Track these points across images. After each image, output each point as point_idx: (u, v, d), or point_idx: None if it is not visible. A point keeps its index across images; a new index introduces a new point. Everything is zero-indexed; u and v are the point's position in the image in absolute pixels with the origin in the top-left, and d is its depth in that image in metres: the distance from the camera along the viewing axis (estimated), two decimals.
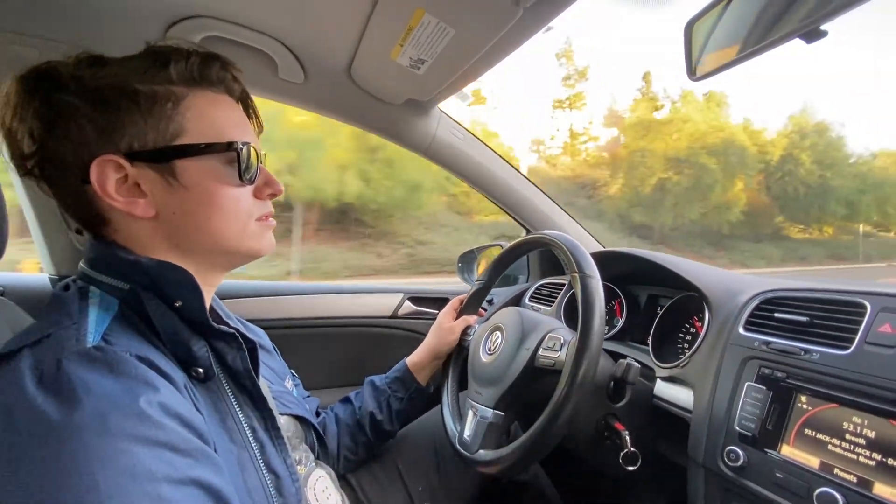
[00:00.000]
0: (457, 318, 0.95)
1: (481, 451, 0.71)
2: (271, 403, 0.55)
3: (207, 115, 0.49)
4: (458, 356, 0.92)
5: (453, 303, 0.98)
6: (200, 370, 0.47)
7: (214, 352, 0.49)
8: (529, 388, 0.72)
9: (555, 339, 0.71)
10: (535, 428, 0.64)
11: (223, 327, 0.50)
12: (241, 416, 0.50)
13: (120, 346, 0.41)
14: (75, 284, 0.48)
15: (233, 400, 0.50)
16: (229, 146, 0.49)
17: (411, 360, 0.91)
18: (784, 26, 0.49)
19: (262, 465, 0.49)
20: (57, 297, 0.47)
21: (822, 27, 0.47)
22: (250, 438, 0.49)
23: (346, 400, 0.89)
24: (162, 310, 0.46)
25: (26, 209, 1.00)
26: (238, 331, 0.52)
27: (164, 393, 0.39)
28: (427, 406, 0.94)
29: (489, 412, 0.73)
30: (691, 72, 0.61)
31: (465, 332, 0.92)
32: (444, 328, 0.92)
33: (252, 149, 0.51)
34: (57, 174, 0.47)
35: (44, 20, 0.77)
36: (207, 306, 0.53)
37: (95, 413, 0.35)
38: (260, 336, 0.75)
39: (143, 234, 0.49)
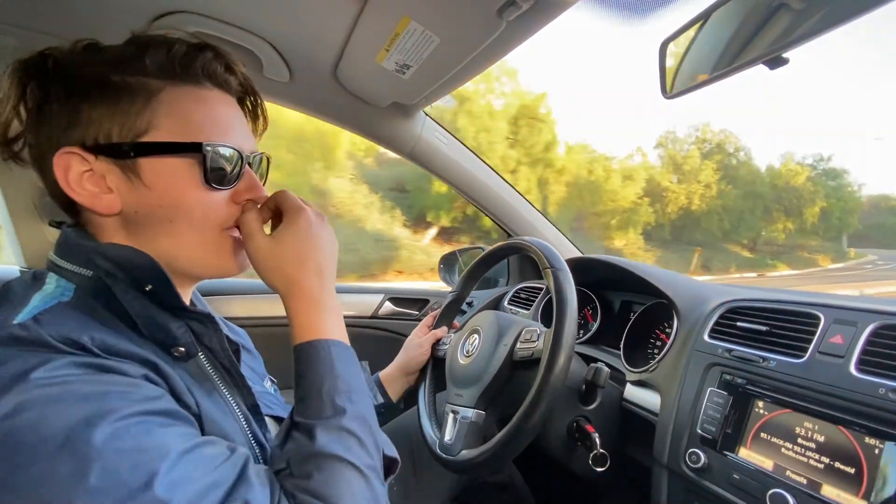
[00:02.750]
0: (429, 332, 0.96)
1: (464, 452, 0.71)
2: (251, 386, 0.55)
3: (182, 112, 0.46)
4: (433, 368, 0.93)
5: (426, 320, 0.99)
6: (182, 348, 0.46)
7: (192, 333, 0.49)
8: (510, 382, 0.74)
9: (531, 332, 0.73)
10: (520, 412, 0.64)
11: (198, 307, 0.49)
12: (225, 391, 0.50)
13: (48, 326, 0.39)
14: (30, 272, 0.47)
15: (215, 377, 0.50)
16: (195, 147, 0.46)
17: (384, 374, 0.92)
18: (749, 53, 0.52)
19: (250, 435, 0.50)
20: (4, 283, 0.46)
21: (784, 55, 0.50)
22: (237, 411, 0.50)
23: None
24: (132, 294, 0.45)
25: None
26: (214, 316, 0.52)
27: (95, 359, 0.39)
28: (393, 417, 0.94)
29: (471, 412, 0.74)
30: (664, 89, 0.64)
31: (437, 345, 0.93)
32: (413, 344, 0.93)
33: (233, 151, 0.48)
34: (36, 161, 0.47)
35: (23, 9, 0.75)
36: (186, 299, 0.52)
37: None
38: (242, 337, 0.75)
39: (109, 230, 0.48)
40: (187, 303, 0.51)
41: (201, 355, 0.49)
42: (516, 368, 0.73)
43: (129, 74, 0.45)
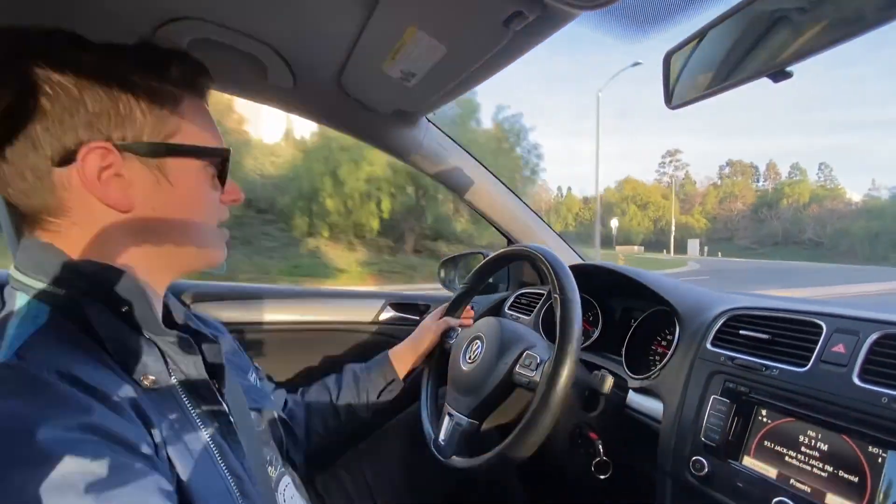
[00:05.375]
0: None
1: (455, 458, 0.73)
2: (233, 405, 0.55)
3: (198, 120, 0.52)
4: (438, 358, 0.95)
5: (441, 308, 1.02)
6: (152, 377, 0.45)
7: (167, 357, 0.48)
8: (504, 401, 0.75)
9: (531, 358, 0.73)
10: (506, 443, 0.65)
11: (175, 332, 0.49)
12: (198, 421, 0.48)
13: (36, 362, 0.37)
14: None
15: (188, 406, 0.48)
16: (218, 152, 0.53)
17: (394, 350, 0.95)
18: (751, 66, 0.52)
19: (223, 468, 0.48)
20: None
21: (788, 69, 0.50)
22: (209, 442, 0.48)
23: (323, 385, 0.90)
24: (106, 316, 0.43)
25: None
26: (198, 331, 0.53)
27: (97, 413, 0.36)
28: (401, 402, 0.95)
29: (464, 420, 0.75)
30: (668, 100, 0.65)
31: (446, 335, 0.95)
32: (425, 327, 0.97)
33: (228, 155, 0.55)
34: (18, 153, 0.43)
35: (26, 10, 0.75)
36: (159, 311, 0.52)
37: None
38: (220, 331, 0.73)
39: (109, 227, 0.46)
40: (160, 309, 0.52)
41: (174, 380, 0.48)
42: (512, 391, 0.74)
43: (157, 80, 0.48)
